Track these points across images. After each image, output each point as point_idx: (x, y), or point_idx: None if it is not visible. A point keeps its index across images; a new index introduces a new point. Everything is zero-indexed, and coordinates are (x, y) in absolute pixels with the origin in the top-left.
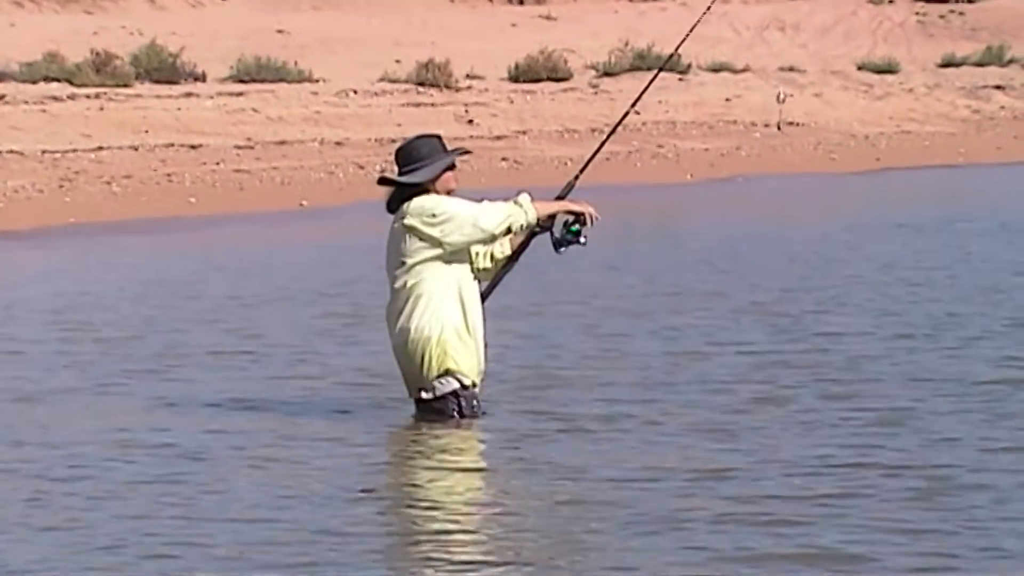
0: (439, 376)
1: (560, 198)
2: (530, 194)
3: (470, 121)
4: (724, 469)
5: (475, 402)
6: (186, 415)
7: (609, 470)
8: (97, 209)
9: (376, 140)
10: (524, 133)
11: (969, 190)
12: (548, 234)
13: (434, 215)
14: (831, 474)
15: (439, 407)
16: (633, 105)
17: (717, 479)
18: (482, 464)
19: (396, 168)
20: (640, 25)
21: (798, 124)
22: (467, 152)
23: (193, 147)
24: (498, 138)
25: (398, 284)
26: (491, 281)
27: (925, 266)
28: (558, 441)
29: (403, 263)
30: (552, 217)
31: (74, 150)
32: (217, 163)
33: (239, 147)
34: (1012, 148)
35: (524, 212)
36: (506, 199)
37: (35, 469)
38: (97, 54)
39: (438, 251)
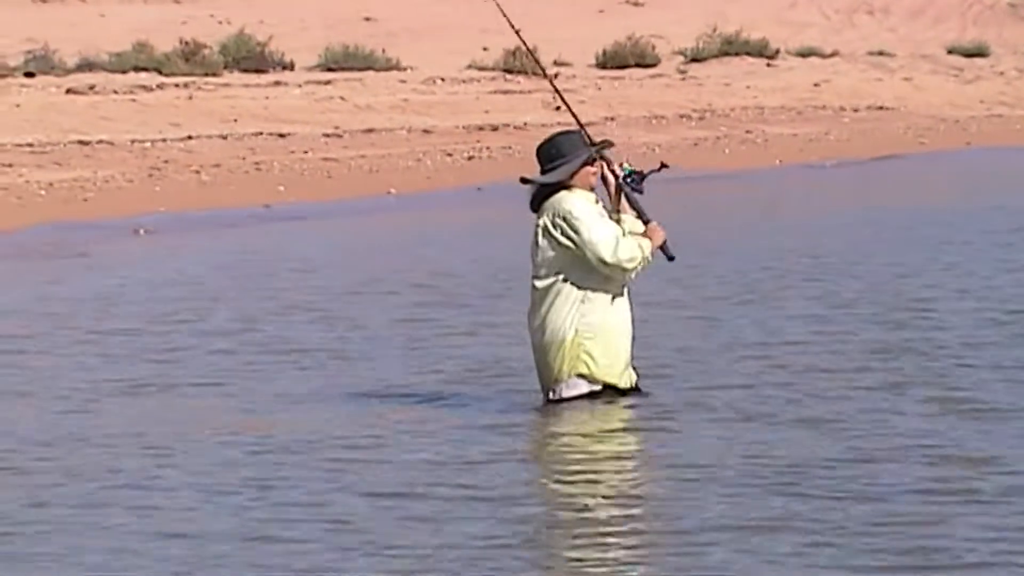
0: (569, 378)
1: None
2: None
3: (557, 108)
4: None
5: (593, 399)
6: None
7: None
8: (187, 198)
9: (463, 127)
10: (612, 119)
11: None
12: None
13: (574, 217)
14: None
15: (557, 402)
16: None
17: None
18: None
19: (538, 167)
20: (728, 10)
21: (888, 108)
22: (611, 144)
23: (281, 135)
24: (586, 124)
25: (537, 283)
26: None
27: None
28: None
29: (541, 262)
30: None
31: (163, 139)
32: (305, 151)
33: (327, 135)
34: None
35: (644, 258)
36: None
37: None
38: (186, 43)
39: (576, 251)
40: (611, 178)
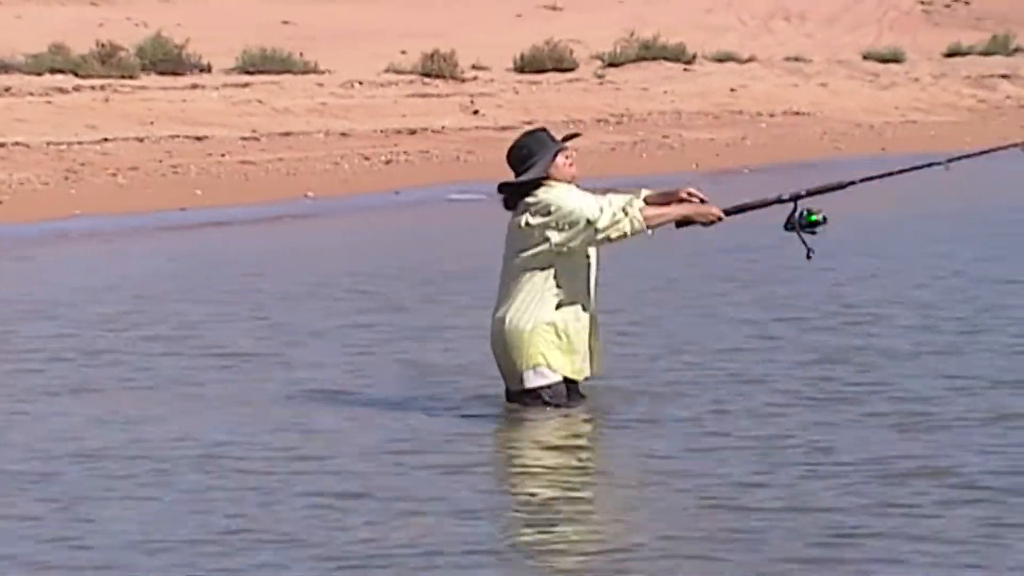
0: (528, 369)
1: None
2: (645, 198)
3: (475, 112)
4: None
5: (563, 397)
6: None
7: None
8: (103, 201)
9: (381, 131)
10: (529, 124)
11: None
12: (792, 209)
13: (549, 207)
14: None
15: (527, 400)
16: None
17: None
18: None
19: (510, 170)
20: (646, 15)
21: (804, 114)
22: (577, 135)
23: (198, 138)
24: (504, 128)
25: (505, 277)
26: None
27: None
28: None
29: (513, 258)
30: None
31: (79, 142)
32: (222, 154)
33: (244, 138)
34: (1019, 137)
35: (630, 222)
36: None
37: None
38: (102, 46)
39: (545, 248)
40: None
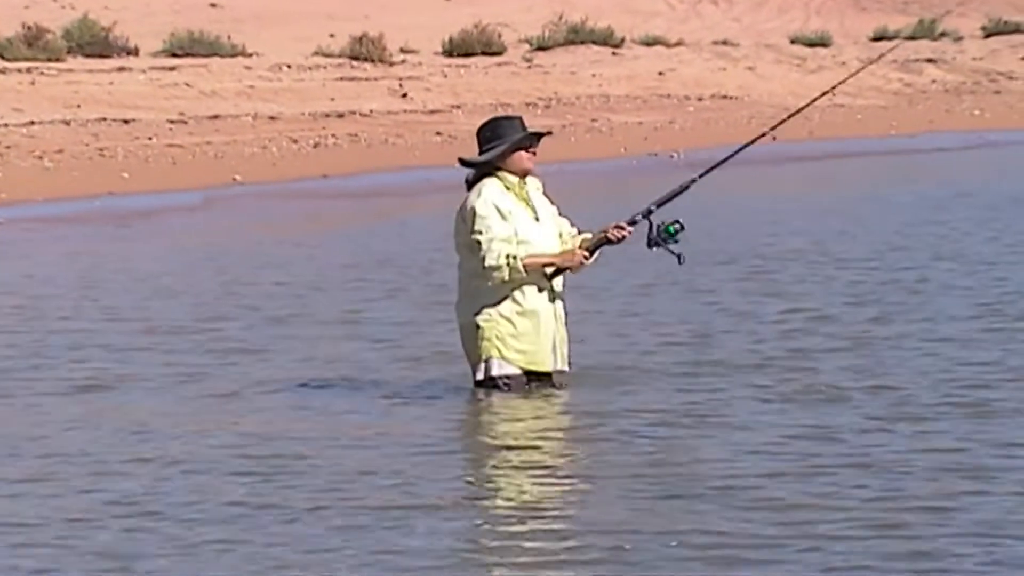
0: (486, 359)
1: (653, 211)
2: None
3: (404, 95)
4: None
5: (522, 386)
6: None
7: None
8: (29, 185)
9: (310, 114)
10: (458, 107)
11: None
12: (647, 226)
13: (475, 215)
14: None
15: (488, 386)
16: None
17: None
18: None
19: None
20: None
21: (732, 97)
22: (548, 133)
23: (126, 122)
24: (432, 112)
25: (460, 268)
26: (554, 274)
27: None
28: None
29: (460, 247)
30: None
31: (5, 124)
32: (150, 138)
33: (172, 121)
34: (944, 121)
35: (509, 270)
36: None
37: None
38: (28, 28)
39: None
40: (622, 235)
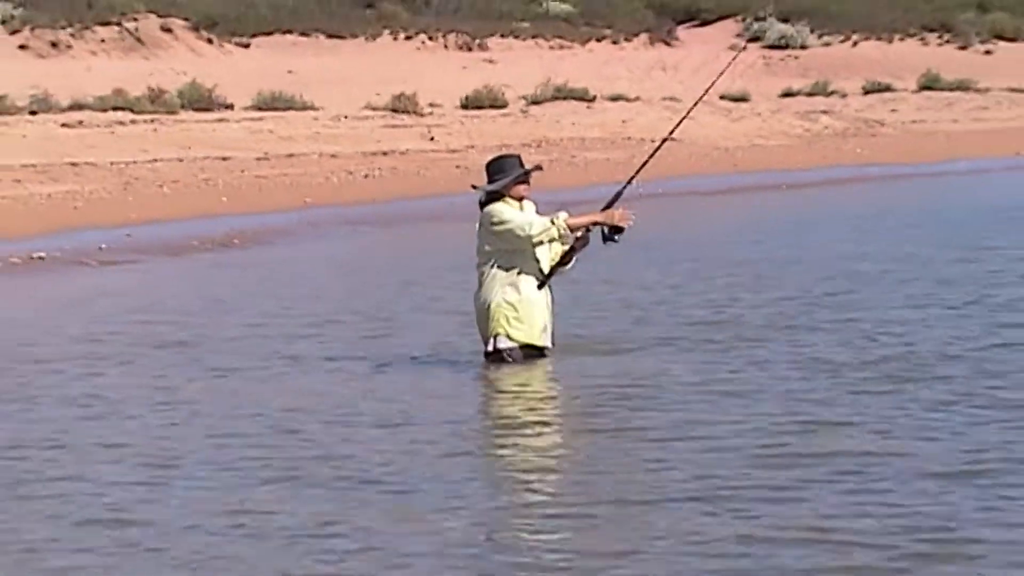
0: (495, 336)
1: (609, 205)
2: (568, 212)
3: (431, 138)
4: None
5: (521, 358)
6: None
7: None
8: (152, 207)
9: (361, 153)
10: (472, 147)
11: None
12: (600, 231)
13: (494, 221)
14: None
15: (495, 358)
16: (667, 137)
17: None
18: None
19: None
20: (558, 66)
21: (676, 139)
22: (539, 168)
23: (224, 159)
24: (453, 151)
25: (478, 267)
26: (548, 274)
27: None
28: None
29: (481, 251)
30: (588, 227)
31: (135, 162)
32: (242, 171)
33: (258, 159)
34: (834, 157)
35: (556, 228)
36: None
37: None
38: (152, 89)
39: (502, 246)
40: (598, 220)
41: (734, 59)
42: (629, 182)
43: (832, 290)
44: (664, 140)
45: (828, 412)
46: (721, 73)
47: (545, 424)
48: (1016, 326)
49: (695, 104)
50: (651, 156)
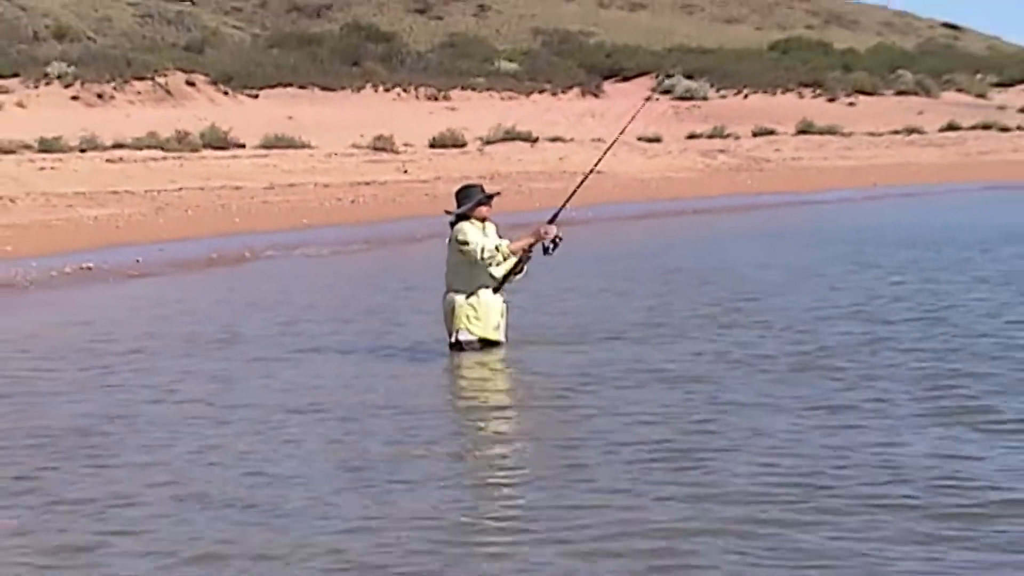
0: (458, 330)
1: (551, 221)
2: (510, 240)
3: (405, 172)
4: None
5: (478, 349)
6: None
7: None
8: (180, 226)
9: (348, 183)
10: (439, 179)
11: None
12: (541, 246)
13: (459, 239)
14: None
15: (457, 348)
16: (591, 170)
17: None
18: None
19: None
20: (508, 113)
21: (602, 172)
22: (498, 194)
23: (237, 188)
24: (423, 182)
25: (446, 274)
26: (501, 282)
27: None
28: None
29: (449, 262)
30: (531, 246)
31: (165, 190)
32: (251, 198)
33: (265, 188)
34: (730, 187)
35: (501, 254)
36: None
37: None
38: (178, 132)
39: (464, 259)
40: (543, 234)
41: (639, 109)
42: (563, 207)
43: (745, 295)
44: (588, 173)
45: (742, 395)
46: (631, 119)
47: (498, 399)
48: (895, 322)
49: (611, 145)
50: (578, 186)
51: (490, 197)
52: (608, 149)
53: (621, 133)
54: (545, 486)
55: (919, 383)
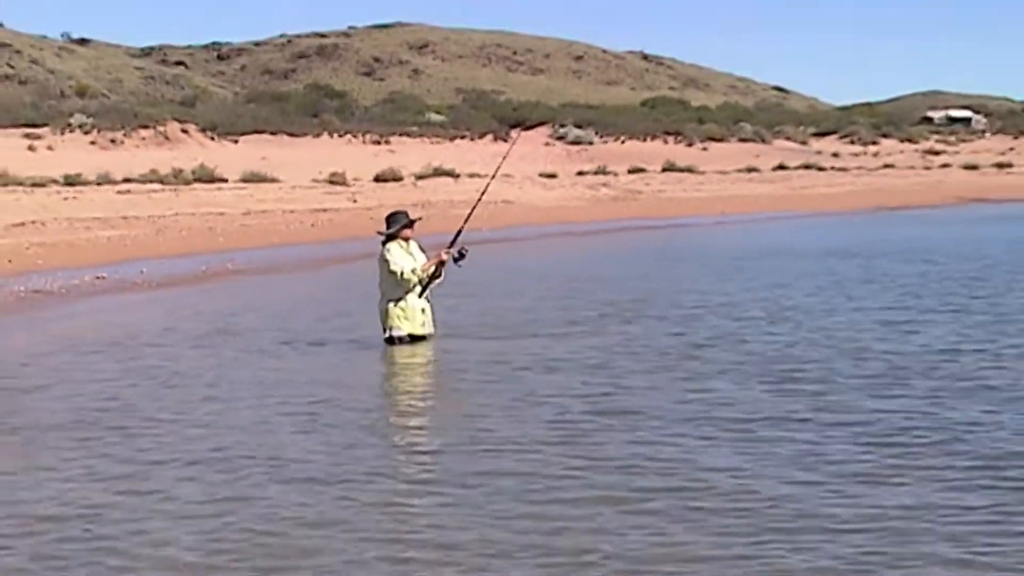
0: (390, 327)
1: (451, 244)
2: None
3: (354, 201)
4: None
5: (408, 342)
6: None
7: None
8: (176, 246)
9: (309, 210)
10: (381, 207)
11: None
12: (452, 258)
13: (387, 258)
14: None
15: (390, 341)
16: (483, 193)
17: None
18: None
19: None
20: (436, 154)
21: (510, 201)
22: (419, 219)
23: (220, 214)
24: (368, 209)
25: (379, 284)
26: (424, 288)
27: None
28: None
29: (380, 275)
30: (440, 265)
31: (163, 215)
32: (232, 221)
33: (243, 214)
34: (611, 214)
35: (415, 274)
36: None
37: None
38: (175, 169)
39: (390, 271)
40: (444, 257)
41: (508, 150)
42: (459, 232)
43: (632, 298)
44: (478, 200)
45: (632, 380)
46: (503, 159)
47: (421, 380)
48: (747, 318)
49: (489, 181)
50: (469, 214)
51: (412, 222)
52: (487, 186)
53: (496, 171)
54: (453, 444)
55: (766, 364)
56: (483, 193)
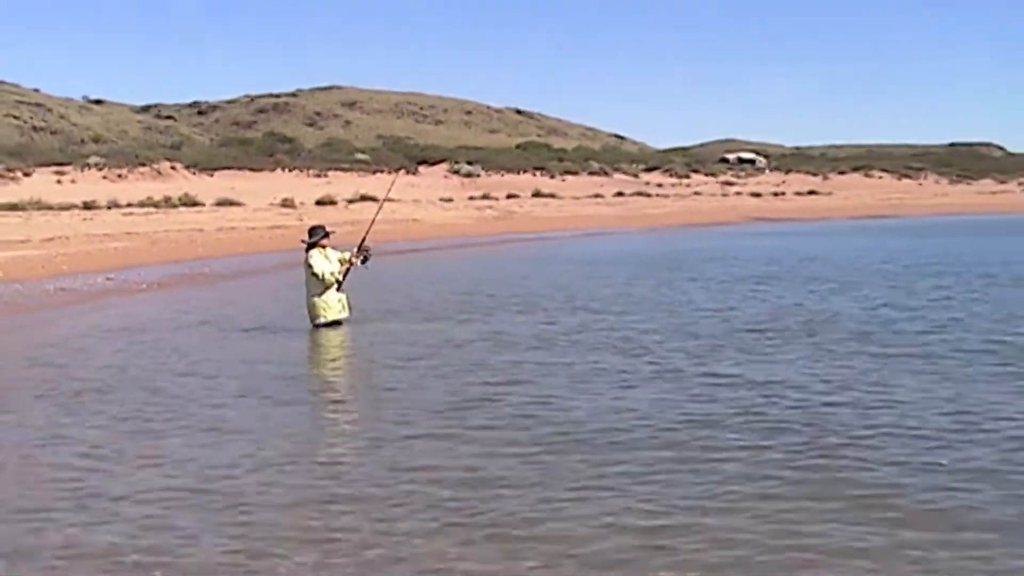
0: (316, 316)
1: (359, 247)
2: (342, 263)
3: (301, 219)
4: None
5: (330, 327)
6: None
7: None
8: (166, 255)
9: (268, 227)
10: (321, 225)
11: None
12: (361, 262)
13: (309, 263)
14: None
15: (316, 328)
16: (377, 212)
17: None
18: None
19: (307, 234)
20: (362, 184)
21: (417, 220)
22: (334, 231)
23: (200, 230)
24: (313, 227)
25: (305, 283)
26: (339, 284)
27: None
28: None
29: (306, 276)
30: (351, 264)
31: (156, 232)
32: (209, 236)
33: (218, 229)
34: (495, 230)
35: (333, 276)
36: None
37: None
38: (165, 197)
39: (311, 274)
40: (354, 260)
41: (393, 182)
42: (362, 241)
43: (521, 295)
44: (375, 216)
45: (527, 356)
46: (391, 185)
47: (341, 353)
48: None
49: (385, 198)
50: (369, 228)
51: (328, 234)
52: (380, 207)
53: (386, 197)
54: (362, 412)
55: (611, 341)
56: (379, 211)
